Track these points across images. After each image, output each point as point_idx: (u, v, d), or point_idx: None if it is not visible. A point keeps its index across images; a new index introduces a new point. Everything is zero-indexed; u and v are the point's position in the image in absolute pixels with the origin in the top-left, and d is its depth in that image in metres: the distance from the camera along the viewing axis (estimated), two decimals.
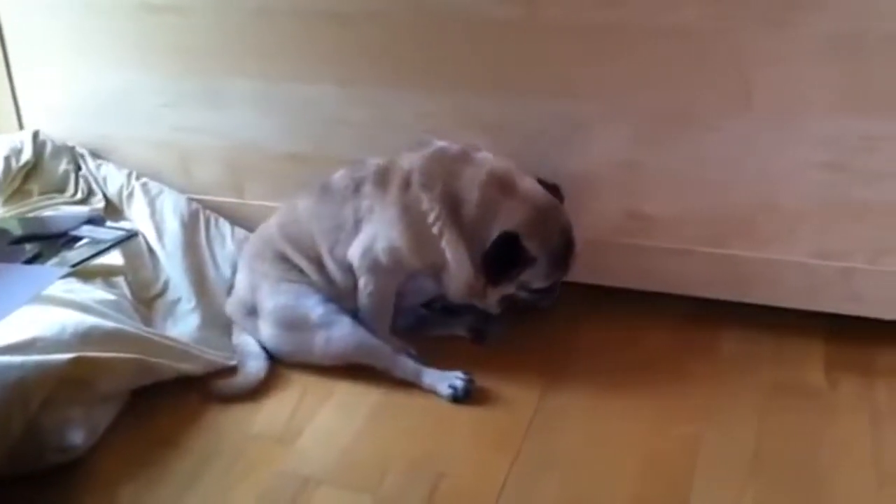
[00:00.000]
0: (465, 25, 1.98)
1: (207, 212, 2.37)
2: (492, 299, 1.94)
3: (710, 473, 1.65)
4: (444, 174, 1.90)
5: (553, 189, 1.93)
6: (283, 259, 2.03)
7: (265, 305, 2.01)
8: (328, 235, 1.99)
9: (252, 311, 2.04)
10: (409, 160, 1.94)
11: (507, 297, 1.94)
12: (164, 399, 1.87)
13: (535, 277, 1.90)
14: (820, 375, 1.91)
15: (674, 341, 2.04)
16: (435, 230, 1.88)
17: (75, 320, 1.82)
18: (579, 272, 1.98)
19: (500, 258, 1.85)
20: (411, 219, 1.90)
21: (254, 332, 2.03)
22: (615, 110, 1.95)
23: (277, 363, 2.00)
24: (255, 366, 1.97)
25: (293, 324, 1.98)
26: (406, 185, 1.91)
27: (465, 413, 1.84)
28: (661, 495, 1.62)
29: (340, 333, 1.94)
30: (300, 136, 2.25)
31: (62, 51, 2.40)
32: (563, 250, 1.90)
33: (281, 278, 2.01)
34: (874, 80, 1.75)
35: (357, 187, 1.97)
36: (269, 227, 2.10)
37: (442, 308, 2.10)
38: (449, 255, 1.89)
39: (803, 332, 2.02)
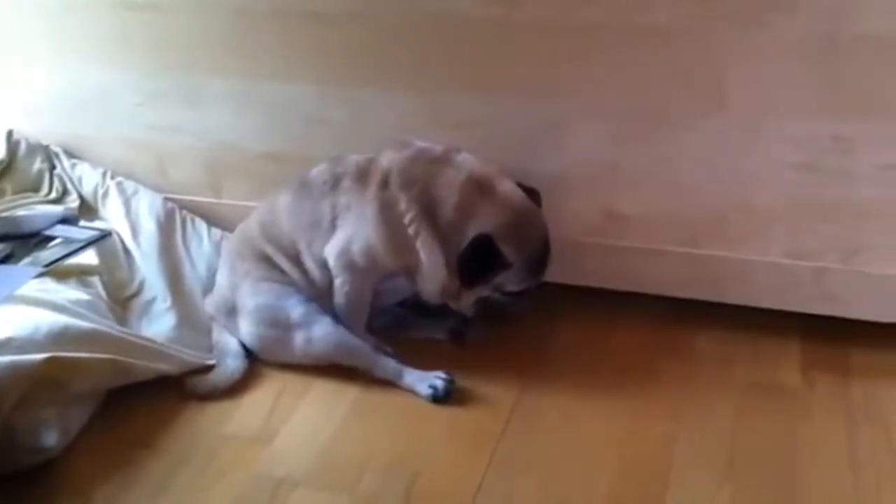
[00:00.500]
0: (444, 25, 1.98)
1: (184, 212, 2.36)
2: (466, 301, 1.94)
3: (685, 472, 1.66)
4: (423, 175, 1.90)
5: (532, 193, 1.93)
6: (264, 258, 2.02)
7: (246, 304, 2.00)
8: (306, 232, 1.98)
9: (232, 310, 2.03)
10: (390, 159, 1.94)
11: (481, 300, 1.93)
12: (139, 399, 1.87)
13: (509, 281, 1.89)
14: (795, 375, 1.92)
15: (649, 341, 2.05)
16: (411, 230, 1.88)
17: (49, 320, 1.81)
18: (554, 272, 1.98)
19: (475, 261, 1.85)
20: (388, 218, 1.89)
21: (234, 331, 2.03)
22: (591, 110, 1.95)
23: (256, 362, 2.00)
24: (232, 364, 1.96)
25: (274, 323, 1.97)
26: (384, 184, 1.91)
27: (442, 412, 1.84)
28: (637, 494, 1.63)
29: (321, 333, 1.94)
30: (279, 135, 2.24)
31: (37, 48, 2.38)
32: (539, 255, 1.90)
33: (261, 278, 2.01)
34: (847, 80, 1.77)
35: (336, 183, 1.96)
36: (250, 225, 2.09)
37: (419, 308, 2.09)
38: (424, 255, 1.89)
39: (779, 332, 2.03)
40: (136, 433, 1.80)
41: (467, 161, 1.91)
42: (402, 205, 1.88)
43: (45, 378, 1.71)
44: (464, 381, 1.90)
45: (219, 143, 2.31)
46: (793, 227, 1.93)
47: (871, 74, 1.75)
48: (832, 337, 2.00)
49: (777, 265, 1.97)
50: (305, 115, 2.19)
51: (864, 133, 1.80)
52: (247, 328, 2.00)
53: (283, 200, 2.03)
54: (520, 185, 1.92)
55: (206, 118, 2.29)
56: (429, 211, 1.88)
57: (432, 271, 1.90)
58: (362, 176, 1.94)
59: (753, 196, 1.93)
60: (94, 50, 2.32)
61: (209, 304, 2.10)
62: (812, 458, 1.69)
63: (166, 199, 2.37)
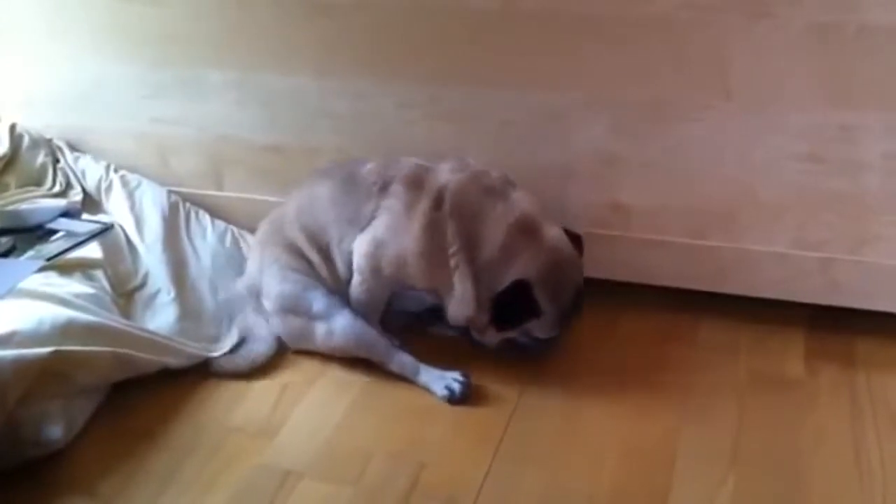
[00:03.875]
0: (445, 16, 1.98)
1: (187, 204, 2.36)
2: (491, 338, 1.92)
3: (690, 464, 1.66)
4: (476, 205, 1.86)
5: (576, 240, 1.91)
6: (294, 247, 2.00)
7: (271, 290, 2.00)
8: (341, 226, 1.95)
9: (259, 293, 2.04)
10: (447, 178, 1.89)
11: (508, 342, 1.91)
12: (143, 392, 1.87)
13: (538, 328, 1.87)
14: (800, 365, 1.92)
15: (653, 332, 2.04)
16: (452, 261, 1.86)
17: (53, 314, 1.81)
18: None
19: (510, 306, 1.83)
20: (431, 239, 1.86)
21: (263, 314, 2.03)
22: (594, 101, 1.95)
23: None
24: (256, 349, 1.98)
25: (295, 311, 1.97)
26: (438, 203, 1.87)
27: (447, 405, 1.84)
28: (641, 486, 1.63)
29: (341, 326, 1.93)
30: (280, 127, 2.24)
31: (39, 42, 2.37)
32: (571, 306, 1.88)
33: (289, 266, 1.99)
34: (852, 71, 1.76)
35: (385, 186, 1.92)
36: (286, 210, 2.05)
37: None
38: (458, 287, 1.87)
39: (783, 322, 2.02)
40: (141, 426, 1.80)
41: (520, 201, 1.87)
42: (450, 232, 1.85)
43: (50, 371, 1.71)
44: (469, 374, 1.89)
45: (220, 136, 2.31)
46: (799, 217, 1.93)
47: (877, 64, 1.75)
48: (837, 327, 1.99)
49: (783, 256, 1.96)
50: (307, 107, 2.19)
51: (870, 123, 1.80)
52: (272, 314, 2.01)
53: (324, 191, 1.99)
54: (566, 230, 1.90)
55: (207, 111, 2.29)
56: (473, 244, 1.85)
57: (463, 302, 1.87)
58: (415, 186, 1.90)
59: (759, 187, 1.92)
60: (97, 43, 2.31)
61: (240, 286, 2.10)
62: (817, 448, 1.69)
63: (169, 191, 2.37)
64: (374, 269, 1.92)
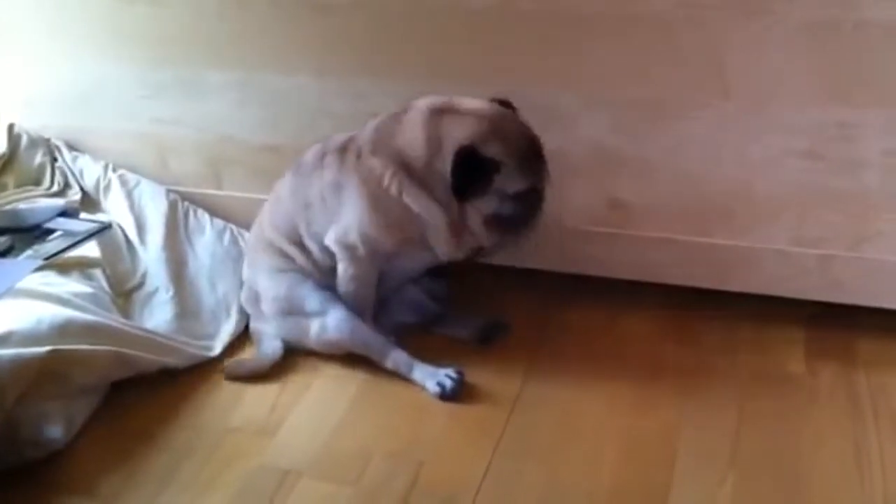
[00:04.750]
0: (444, 14, 1.97)
1: (186, 203, 2.36)
2: (475, 224, 1.85)
3: (689, 462, 1.66)
4: (387, 131, 1.86)
5: (503, 103, 1.87)
6: (274, 248, 2.03)
7: (265, 295, 2.03)
8: (302, 213, 1.97)
9: (258, 299, 2.06)
10: (364, 131, 1.92)
11: (492, 219, 1.85)
12: (142, 392, 1.87)
13: (508, 182, 1.80)
14: (800, 363, 1.92)
15: (653, 329, 2.04)
16: (393, 190, 1.83)
17: (52, 313, 1.81)
18: (557, 261, 1.97)
19: (464, 173, 1.77)
20: (371, 190, 1.86)
21: (265, 319, 2.04)
22: (593, 99, 1.94)
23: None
24: (270, 347, 1.99)
25: (291, 311, 1.99)
26: (358, 155, 1.89)
27: (446, 403, 1.84)
28: (641, 483, 1.62)
29: (335, 321, 1.94)
30: (279, 127, 2.24)
31: (38, 41, 2.37)
32: (528, 147, 1.82)
33: (275, 268, 2.02)
34: (850, 68, 1.76)
35: (321, 161, 1.96)
36: (262, 217, 2.10)
37: (449, 307, 2.10)
38: (416, 208, 1.84)
39: (783, 320, 2.02)
40: (140, 425, 1.80)
41: (424, 100, 1.85)
42: (378, 168, 1.84)
43: (48, 371, 1.71)
44: (467, 371, 1.89)
45: (219, 135, 2.30)
46: (798, 214, 1.92)
47: (876, 61, 1.74)
48: (837, 325, 1.99)
49: (783, 253, 1.96)
50: (306, 106, 2.18)
51: (869, 120, 1.79)
52: (269, 317, 2.03)
53: (284, 186, 2.04)
54: (492, 99, 1.86)
55: (206, 110, 2.28)
56: (404, 161, 1.82)
57: (430, 217, 1.85)
58: (342, 151, 1.93)
59: (758, 184, 1.92)
60: (95, 43, 2.31)
61: (242, 296, 2.12)
62: (817, 446, 1.69)
63: (168, 190, 2.36)
64: (350, 253, 1.92)
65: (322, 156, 1.96)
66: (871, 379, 1.85)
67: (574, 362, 1.95)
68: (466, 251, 1.93)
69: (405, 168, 1.83)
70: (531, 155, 1.82)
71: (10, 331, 1.74)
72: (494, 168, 1.78)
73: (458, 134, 1.78)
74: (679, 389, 1.85)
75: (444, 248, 1.91)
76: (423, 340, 1.99)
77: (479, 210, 1.83)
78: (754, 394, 1.83)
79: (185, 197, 2.37)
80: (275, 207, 2.06)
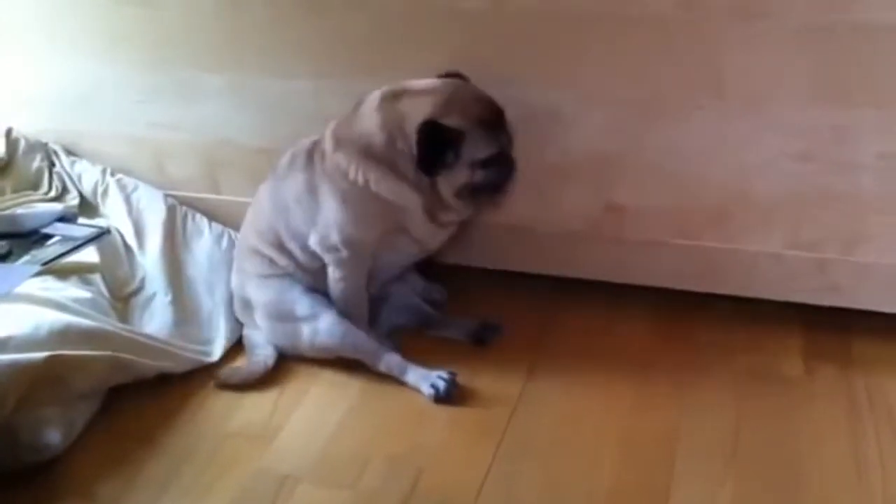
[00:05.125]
0: (439, 16, 1.97)
1: (184, 207, 2.35)
2: (449, 196, 1.84)
3: (688, 463, 1.66)
4: (347, 125, 1.87)
5: (454, 75, 1.88)
6: (258, 254, 2.03)
7: (256, 302, 2.03)
8: (281, 217, 1.98)
9: (249, 306, 2.05)
10: (326, 130, 1.92)
11: (465, 189, 1.84)
12: (141, 397, 1.87)
13: (475, 149, 1.80)
14: (797, 365, 1.92)
15: (650, 333, 2.05)
16: (361, 180, 1.83)
17: (50, 318, 1.81)
18: (554, 265, 1.96)
19: (430, 147, 1.77)
20: (339, 185, 1.86)
21: (257, 326, 2.04)
22: (587, 101, 1.95)
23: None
24: (263, 353, 1.99)
25: (281, 317, 1.98)
26: (323, 155, 1.89)
27: (445, 407, 1.84)
28: (640, 484, 1.63)
29: (326, 326, 1.94)
30: (276, 130, 2.23)
31: (35, 46, 2.37)
32: (489, 114, 1.82)
33: (263, 274, 2.01)
34: (846, 70, 1.76)
35: (292, 164, 1.96)
36: (244, 223, 2.10)
37: (444, 309, 2.10)
38: (387, 194, 1.84)
39: (781, 322, 2.03)
40: (139, 431, 1.80)
41: (376, 90, 1.86)
42: (343, 163, 1.85)
43: (47, 376, 1.70)
44: (466, 375, 1.89)
45: (216, 139, 2.30)
46: (793, 217, 1.93)
47: (870, 63, 1.75)
48: (834, 327, 2.00)
49: (778, 256, 1.96)
50: (303, 109, 2.18)
51: (863, 122, 1.80)
52: (260, 323, 2.03)
53: (262, 192, 2.04)
54: (444, 73, 1.87)
55: (203, 114, 2.28)
56: (367, 149, 1.83)
57: (403, 201, 1.85)
58: (310, 153, 1.93)
59: (753, 187, 1.92)
60: (93, 47, 2.31)
61: (234, 305, 2.11)
62: (815, 447, 1.69)
63: (166, 195, 2.36)
64: (335, 256, 1.92)
65: (293, 159, 1.97)
66: (868, 380, 1.86)
67: (573, 365, 1.95)
68: (446, 230, 1.94)
69: (369, 156, 1.83)
70: (493, 119, 1.82)
71: (8, 336, 1.73)
72: (459, 138, 1.78)
73: (417, 111, 1.78)
74: (677, 392, 1.85)
75: (422, 231, 1.91)
76: (420, 343, 1.99)
77: (450, 183, 1.83)
78: (752, 395, 1.83)
79: (182, 201, 2.36)
80: (256, 213, 2.06)
